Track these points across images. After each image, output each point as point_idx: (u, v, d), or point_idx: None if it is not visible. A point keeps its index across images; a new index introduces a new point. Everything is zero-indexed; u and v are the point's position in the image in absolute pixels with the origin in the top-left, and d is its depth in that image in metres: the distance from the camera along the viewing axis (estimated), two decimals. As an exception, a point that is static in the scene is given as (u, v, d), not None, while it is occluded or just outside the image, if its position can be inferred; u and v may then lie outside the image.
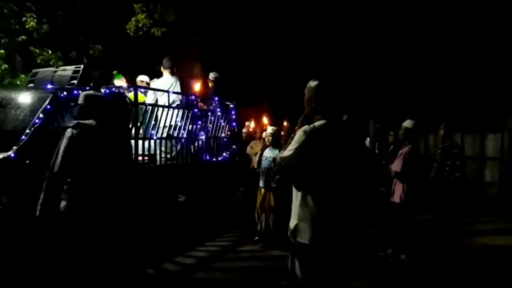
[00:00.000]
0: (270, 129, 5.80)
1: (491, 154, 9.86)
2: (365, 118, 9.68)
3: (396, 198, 5.20)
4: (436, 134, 7.12)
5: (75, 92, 4.36)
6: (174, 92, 5.84)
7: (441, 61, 11.47)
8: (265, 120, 8.66)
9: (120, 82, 5.78)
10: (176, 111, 5.70)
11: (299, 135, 2.44)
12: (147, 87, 6.14)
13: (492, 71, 10.71)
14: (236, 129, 8.24)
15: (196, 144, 6.37)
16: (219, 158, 6.86)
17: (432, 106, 10.29)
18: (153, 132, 5.37)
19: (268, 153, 5.65)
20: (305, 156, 2.40)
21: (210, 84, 7.33)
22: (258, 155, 6.28)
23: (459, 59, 11.26)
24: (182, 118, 5.82)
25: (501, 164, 9.65)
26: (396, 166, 5.22)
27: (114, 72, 5.90)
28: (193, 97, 6.46)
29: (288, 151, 2.45)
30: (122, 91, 4.80)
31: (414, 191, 5.20)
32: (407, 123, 5.29)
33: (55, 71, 5.11)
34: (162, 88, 5.91)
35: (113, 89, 4.65)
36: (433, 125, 7.40)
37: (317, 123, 2.48)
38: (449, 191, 6.26)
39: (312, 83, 2.55)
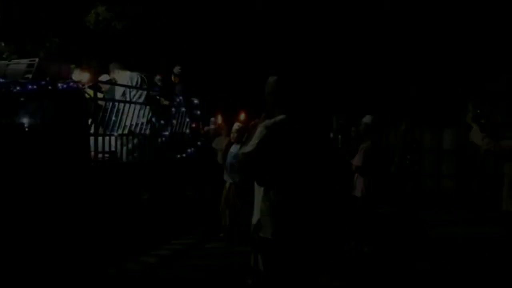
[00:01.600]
0: (236, 126, 5.74)
1: (449, 148, 10.28)
2: (329, 114, 9.85)
3: (358, 192, 5.32)
4: (397, 129, 7.33)
5: (29, 86, 4.16)
6: (135, 87, 5.68)
7: (402, 58, 11.76)
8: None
9: (79, 76, 5.55)
10: (138, 107, 5.55)
11: (259, 130, 2.47)
12: (110, 83, 5.94)
13: (449, 68, 11.12)
14: (202, 125, 8.15)
15: (159, 140, 6.24)
16: (184, 155, 6.74)
17: (393, 101, 10.60)
18: (114, 128, 5.21)
19: (234, 149, 5.60)
20: (267, 151, 2.42)
21: (174, 79, 7.18)
22: (223, 151, 6.22)
23: (419, 56, 11.59)
24: (144, 114, 5.67)
25: (457, 158, 10.08)
26: (356, 160, 5.34)
27: (72, 66, 5.67)
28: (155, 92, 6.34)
29: (249, 146, 2.46)
30: (81, 86, 4.63)
31: (375, 185, 5.34)
32: (366, 119, 5.41)
33: (8, 64, 4.86)
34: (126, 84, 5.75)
35: (71, 84, 4.47)
36: (395, 120, 7.61)
37: (277, 118, 2.52)
38: (409, 184, 6.48)
39: (271, 79, 2.59)
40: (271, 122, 2.48)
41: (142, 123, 5.64)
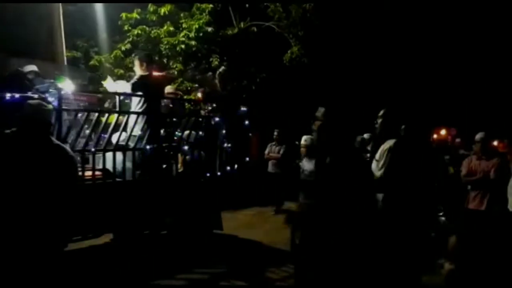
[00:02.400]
0: (303, 140, 5.29)
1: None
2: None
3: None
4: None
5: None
6: (127, 94, 4.94)
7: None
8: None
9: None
10: (134, 117, 4.81)
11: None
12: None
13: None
14: (249, 137, 7.25)
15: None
16: (218, 173, 5.65)
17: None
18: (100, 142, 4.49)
19: (307, 165, 5.01)
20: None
21: (217, 80, 6.38)
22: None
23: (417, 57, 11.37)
24: (145, 125, 4.91)
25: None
26: None
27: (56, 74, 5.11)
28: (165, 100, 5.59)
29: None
30: (46, 96, 4.05)
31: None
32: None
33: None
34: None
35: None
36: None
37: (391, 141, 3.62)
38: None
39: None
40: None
41: (142, 136, 4.85)
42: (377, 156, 3.69)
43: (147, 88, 4.87)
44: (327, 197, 2.74)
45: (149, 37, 10.87)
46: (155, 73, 5.35)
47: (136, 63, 5.10)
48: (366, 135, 8.38)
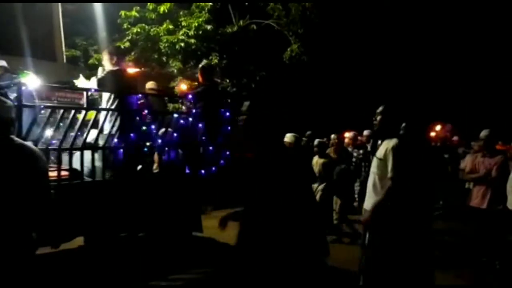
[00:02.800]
0: (286, 138, 5.60)
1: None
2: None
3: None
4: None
5: None
6: (100, 90, 4.72)
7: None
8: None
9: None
10: (104, 114, 4.61)
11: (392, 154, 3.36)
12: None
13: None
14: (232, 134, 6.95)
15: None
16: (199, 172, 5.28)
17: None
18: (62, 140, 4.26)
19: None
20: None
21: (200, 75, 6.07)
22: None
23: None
24: (116, 123, 4.68)
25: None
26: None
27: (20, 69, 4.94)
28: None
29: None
30: (6, 91, 3.87)
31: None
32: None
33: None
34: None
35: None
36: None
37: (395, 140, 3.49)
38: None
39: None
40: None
41: (111, 134, 4.63)
42: (380, 154, 3.50)
43: (116, 83, 4.63)
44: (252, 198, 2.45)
45: (148, 35, 10.84)
46: (128, 68, 5.12)
47: (106, 57, 4.87)
48: (365, 132, 8.17)
